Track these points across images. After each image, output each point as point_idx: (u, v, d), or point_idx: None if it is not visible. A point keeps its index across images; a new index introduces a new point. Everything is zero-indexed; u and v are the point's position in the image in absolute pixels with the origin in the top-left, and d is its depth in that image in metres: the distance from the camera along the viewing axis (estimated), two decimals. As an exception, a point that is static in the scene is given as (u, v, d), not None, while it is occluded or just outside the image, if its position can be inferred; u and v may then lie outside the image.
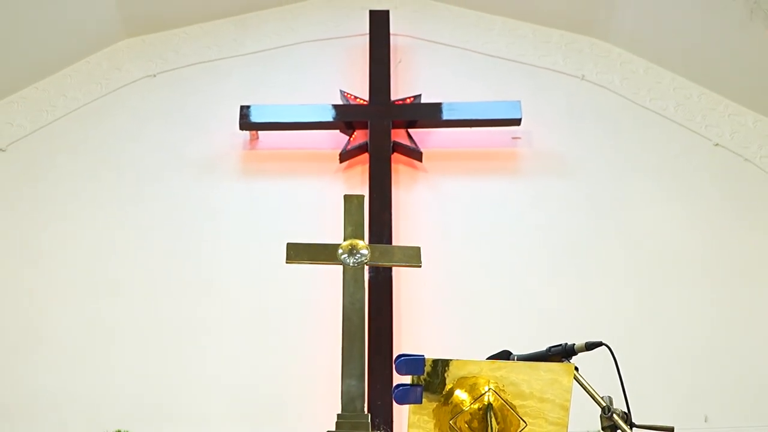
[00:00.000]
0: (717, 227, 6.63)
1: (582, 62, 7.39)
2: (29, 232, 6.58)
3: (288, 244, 2.52)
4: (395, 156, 6.81)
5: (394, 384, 2.68)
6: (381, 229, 6.35)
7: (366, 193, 6.51)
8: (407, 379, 2.62)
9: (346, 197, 2.55)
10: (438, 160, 6.90)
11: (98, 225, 6.63)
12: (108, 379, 6.04)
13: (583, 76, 7.33)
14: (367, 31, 7.32)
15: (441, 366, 2.64)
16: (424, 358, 2.58)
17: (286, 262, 2.59)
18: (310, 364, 6.01)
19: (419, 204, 6.74)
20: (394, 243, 6.34)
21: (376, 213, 6.42)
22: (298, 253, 2.49)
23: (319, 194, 6.77)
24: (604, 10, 7.29)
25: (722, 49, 6.96)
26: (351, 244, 2.40)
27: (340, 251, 2.42)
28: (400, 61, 7.32)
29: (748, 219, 6.65)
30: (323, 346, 5.98)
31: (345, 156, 6.83)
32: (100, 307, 6.30)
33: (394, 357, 2.65)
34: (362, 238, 2.48)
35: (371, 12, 7.38)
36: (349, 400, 2.14)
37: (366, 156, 6.78)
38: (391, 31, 7.34)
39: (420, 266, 2.54)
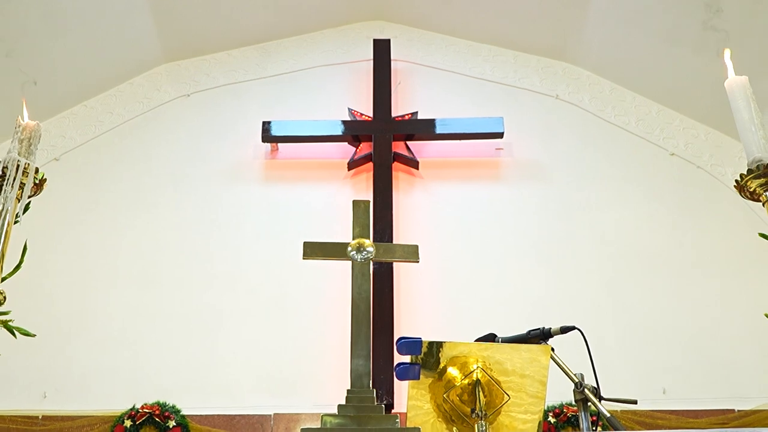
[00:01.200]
0: (672, 226, 6.63)
1: (556, 83, 7.39)
2: (80, 231, 6.58)
3: (305, 243, 2.50)
4: (395, 165, 6.81)
5: (396, 363, 2.68)
6: (384, 227, 6.36)
7: (370, 196, 6.55)
8: (407, 359, 2.63)
9: (355, 202, 2.53)
10: (432, 168, 6.90)
11: (139, 224, 6.64)
12: (148, 357, 6.05)
13: (557, 95, 7.32)
14: (371, 57, 7.32)
15: (436, 347, 2.64)
16: (421, 341, 2.59)
17: (303, 259, 2.57)
18: (323, 345, 6.01)
19: (416, 206, 6.74)
20: (394, 239, 6.36)
21: (379, 213, 6.42)
22: (314, 250, 2.48)
23: (330, 197, 6.77)
24: (574, 39, 7.27)
25: (678, 71, 6.95)
26: (359, 243, 2.38)
27: (349, 249, 2.40)
28: (399, 83, 7.31)
29: (700, 219, 6.64)
30: (333, 330, 5.99)
31: (352, 165, 6.84)
32: (142, 296, 6.30)
33: (395, 340, 2.65)
34: (368, 238, 2.46)
35: (375, 41, 7.38)
36: (357, 377, 2.13)
37: (370, 165, 6.77)
38: (392, 57, 7.34)
39: (418, 262, 2.52)
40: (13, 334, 2.39)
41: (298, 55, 7.57)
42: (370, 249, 2.28)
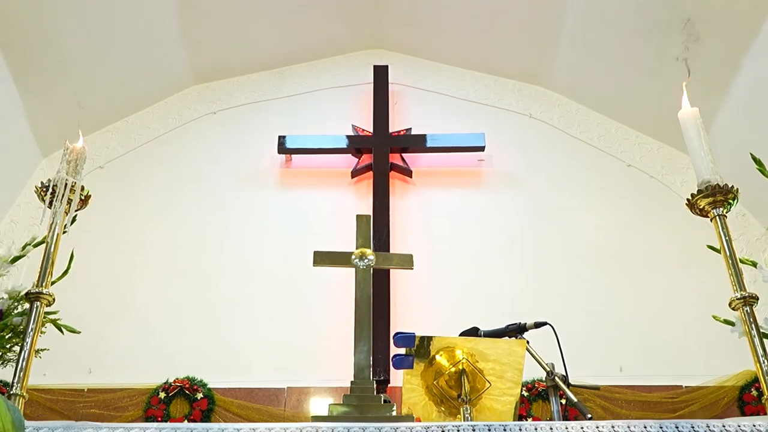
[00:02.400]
0: (629, 227, 6.61)
1: (530, 104, 7.37)
2: (121, 230, 6.56)
3: (315, 252, 2.46)
4: (392, 173, 6.78)
5: (392, 354, 2.66)
6: (382, 227, 6.34)
7: (371, 201, 6.53)
8: (403, 351, 2.61)
9: (358, 217, 2.50)
10: (424, 177, 6.88)
11: (171, 224, 6.62)
12: (178, 339, 6.02)
13: (531, 114, 7.30)
14: (372, 81, 7.29)
15: (427, 341, 2.63)
16: (414, 335, 2.57)
17: (313, 266, 2.54)
18: (328, 329, 6.00)
19: (410, 209, 6.72)
20: (391, 237, 6.34)
21: (378, 215, 6.41)
22: (322, 258, 2.44)
23: (336, 201, 6.76)
24: (546, 66, 7.25)
25: (634, 94, 6.93)
26: (361, 252, 2.36)
27: (353, 257, 2.37)
28: (395, 103, 7.29)
29: (652, 222, 6.63)
30: (337, 316, 5.97)
31: (355, 173, 6.81)
32: (173, 286, 6.28)
33: (393, 334, 2.62)
34: (369, 247, 2.43)
35: (375, 67, 7.35)
36: (359, 369, 2.10)
37: (371, 173, 6.75)
38: (390, 81, 7.31)
39: (412, 269, 2.49)
40: (61, 331, 2.37)
41: (308, 79, 7.54)
42: (371, 257, 2.25)
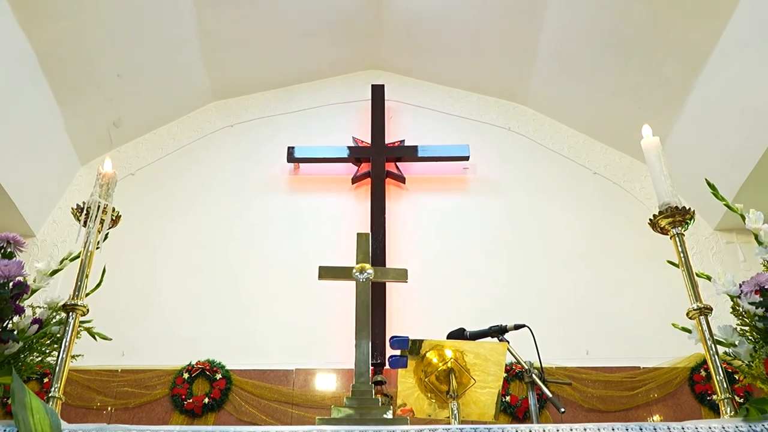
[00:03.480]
0: (595, 228, 6.58)
1: (509, 119, 7.31)
2: (150, 231, 6.50)
3: (319, 267, 2.41)
4: (388, 180, 6.73)
5: (389, 355, 2.63)
6: (378, 228, 6.31)
7: (369, 204, 6.49)
8: (398, 352, 2.58)
9: (358, 234, 2.44)
10: (416, 183, 6.83)
11: (193, 225, 6.57)
12: (200, 326, 5.98)
13: (510, 128, 7.25)
14: (370, 98, 7.23)
15: (419, 343, 2.59)
16: (408, 338, 2.54)
17: (318, 280, 2.49)
18: (332, 317, 5.95)
19: (403, 211, 6.68)
20: (387, 236, 6.30)
21: (375, 218, 6.38)
22: (327, 273, 2.39)
23: (338, 205, 6.71)
24: (523, 85, 7.21)
25: (599, 110, 6.91)
26: (361, 267, 2.31)
27: (353, 271, 2.33)
28: (391, 117, 7.24)
29: (616, 223, 6.60)
30: (340, 306, 5.94)
31: (355, 180, 6.76)
32: (195, 280, 6.23)
33: (389, 338, 2.58)
34: (369, 263, 2.39)
35: (373, 86, 7.29)
36: (359, 374, 2.06)
37: (369, 180, 6.70)
38: (386, 98, 7.26)
39: (406, 282, 2.45)
40: (95, 338, 2.33)
41: (315, 96, 7.47)
42: (370, 272, 2.21)
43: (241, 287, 6.18)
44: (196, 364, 5.68)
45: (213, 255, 6.35)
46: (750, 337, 2.12)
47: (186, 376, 5.62)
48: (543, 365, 3.31)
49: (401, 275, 2.32)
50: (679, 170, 6.56)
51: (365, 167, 6.76)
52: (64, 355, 2.05)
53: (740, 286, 2.17)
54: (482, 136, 7.14)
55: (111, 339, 2.36)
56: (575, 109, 7.07)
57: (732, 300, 2.20)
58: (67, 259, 2.37)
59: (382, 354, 5.63)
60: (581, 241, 6.47)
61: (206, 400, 5.50)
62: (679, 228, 2.34)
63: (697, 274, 2.33)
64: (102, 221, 2.28)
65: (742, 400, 4.84)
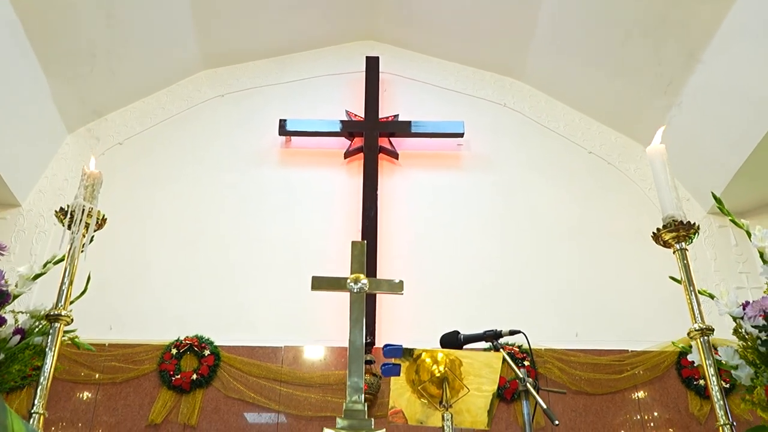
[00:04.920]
0: (588, 207, 6.53)
1: (504, 95, 7.18)
2: (138, 202, 6.39)
3: (312, 277, 2.34)
4: (381, 155, 6.62)
5: (381, 363, 2.57)
6: (371, 204, 6.22)
7: (361, 180, 6.40)
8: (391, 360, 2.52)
9: (353, 243, 2.36)
10: (409, 159, 6.72)
11: (183, 196, 6.46)
12: (189, 301, 5.93)
13: (505, 104, 7.13)
14: (364, 70, 7.07)
15: (413, 352, 2.53)
16: (402, 347, 2.47)
17: (312, 290, 2.41)
18: (322, 295, 5.86)
19: (396, 187, 6.58)
20: (379, 213, 6.22)
21: (368, 194, 6.29)
22: (320, 283, 2.32)
23: (330, 179, 6.61)
24: (520, 61, 7.06)
25: (596, 89, 6.79)
26: (356, 277, 2.24)
27: (348, 281, 2.25)
28: (385, 91, 7.09)
29: (609, 203, 6.56)
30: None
31: (348, 154, 6.64)
32: (185, 253, 6.15)
33: (382, 346, 2.52)
34: (363, 273, 2.31)
35: (367, 58, 7.12)
36: (352, 391, 2.00)
37: (362, 155, 6.58)
38: (380, 70, 7.10)
39: (402, 294, 2.37)
40: (79, 348, 2.25)
41: (307, 67, 7.29)
42: (365, 282, 2.14)
43: (231, 261, 6.11)
44: (185, 339, 5.63)
45: (202, 228, 6.26)
46: (751, 361, 2.07)
47: (174, 351, 5.58)
48: (539, 383, 3.31)
49: (396, 287, 2.24)
50: (675, 153, 6.48)
51: (358, 142, 6.64)
52: (48, 370, 1.96)
53: (744, 307, 2.11)
54: (477, 111, 7.02)
55: (95, 350, 2.29)
56: (572, 87, 6.95)
57: (735, 321, 2.15)
58: (51, 262, 2.27)
59: (372, 334, 5.59)
60: (574, 221, 6.42)
61: (194, 376, 5.46)
62: (683, 243, 2.27)
63: (699, 292, 2.27)
64: (87, 225, 2.18)
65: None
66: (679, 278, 2.27)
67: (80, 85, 6.36)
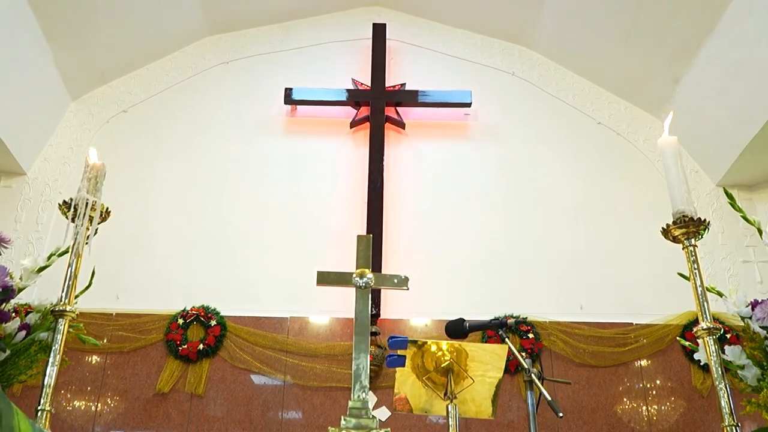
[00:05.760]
0: (595, 179, 6.48)
1: (513, 63, 7.06)
2: (143, 168, 6.37)
3: (318, 272, 2.31)
4: (387, 125, 6.54)
5: (386, 354, 2.56)
6: (377, 175, 6.18)
7: (367, 150, 6.34)
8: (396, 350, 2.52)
9: (358, 237, 2.32)
10: (415, 128, 6.65)
11: (188, 164, 6.42)
12: (196, 271, 5.94)
13: (514, 72, 7.01)
14: (371, 37, 6.95)
15: (418, 344, 2.52)
16: (407, 339, 2.47)
17: (317, 285, 2.39)
18: (328, 265, 5.86)
19: (402, 157, 6.52)
20: (385, 182, 6.18)
21: (374, 163, 6.24)
22: (325, 278, 2.29)
23: (336, 149, 6.56)
24: (529, 28, 6.93)
25: (607, 58, 6.66)
26: (361, 272, 2.22)
27: (353, 276, 2.23)
28: (392, 59, 6.98)
29: (616, 175, 6.50)
30: (336, 254, 5.92)
31: (354, 124, 6.57)
32: (190, 222, 6.15)
33: (387, 338, 2.51)
34: (369, 267, 2.28)
35: (374, 24, 6.99)
36: (358, 389, 2.00)
37: (368, 124, 6.51)
38: (387, 37, 6.98)
39: (407, 289, 2.35)
40: (84, 343, 2.25)
41: (312, 33, 7.17)
42: (370, 276, 2.12)
43: (238, 231, 6.10)
44: (191, 309, 5.66)
45: (207, 198, 6.24)
46: (758, 362, 2.06)
47: (181, 321, 5.61)
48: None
49: (402, 282, 2.22)
50: (685, 124, 6.41)
51: (364, 111, 6.57)
52: (53, 367, 1.96)
53: (752, 308, 2.09)
54: (485, 80, 6.92)
55: (100, 344, 2.29)
56: (582, 55, 6.83)
57: (743, 321, 2.13)
58: (55, 254, 2.26)
59: (377, 305, 5.61)
60: (581, 192, 6.37)
61: (201, 346, 5.50)
62: (693, 239, 2.23)
63: (708, 289, 2.25)
64: (91, 218, 2.16)
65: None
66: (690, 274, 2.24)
67: (83, 51, 6.28)
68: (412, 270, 5.89)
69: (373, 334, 5.40)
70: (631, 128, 6.69)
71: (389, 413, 5.17)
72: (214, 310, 5.69)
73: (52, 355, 1.98)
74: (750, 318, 2.11)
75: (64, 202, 2.18)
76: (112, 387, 5.41)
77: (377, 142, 6.37)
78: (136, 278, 5.89)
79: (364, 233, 5.90)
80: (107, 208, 2.20)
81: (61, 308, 2.04)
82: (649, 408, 5.46)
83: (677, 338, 2.35)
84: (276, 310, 5.76)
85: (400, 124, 6.55)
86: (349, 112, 6.63)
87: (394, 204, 6.20)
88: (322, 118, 6.67)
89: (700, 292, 2.17)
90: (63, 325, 2.03)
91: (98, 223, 2.19)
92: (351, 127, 6.56)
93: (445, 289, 5.88)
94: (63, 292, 2.09)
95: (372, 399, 5.27)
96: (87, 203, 2.12)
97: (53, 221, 6.10)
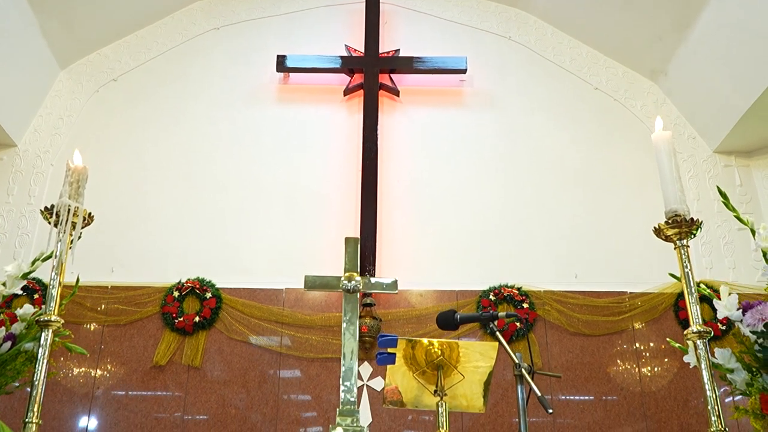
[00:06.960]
0: (593, 146, 6.41)
1: (509, 27, 6.91)
2: (134, 138, 6.31)
3: (306, 276, 2.28)
4: (381, 92, 6.44)
5: (376, 352, 2.55)
6: (371, 144, 6.12)
7: (361, 118, 6.26)
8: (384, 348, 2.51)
9: (346, 239, 2.29)
10: (410, 95, 6.55)
11: (179, 134, 6.35)
12: (190, 242, 5.92)
13: (510, 37, 6.87)
14: (364, 0, 6.79)
15: (408, 342, 2.52)
16: (397, 337, 2.46)
17: (305, 289, 2.37)
18: (322, 236, 5.90)
19: (396, 125, 6.44)
20: (379, 151, 6.12)
21: (368, 131, 6.17)
22: (314, 283, 2.27)
23: (329, 117, 6.47)
24: (527, -10, 6.78)
25: (605, 22, 6.53)
26: (349, 275, 2.19)
27: (342, 280, 2.21)
28: (386, 23, 6.83)
29: (613, 141, 6.43)
30: (331, 224, 5.91)
31: (347, 91, 6.46)
32: (184, 192, 6.10)
33: (377, 336, 2.50)
34: (356, 271, 2.26)
35: (368, -12, 6.83)
36: (346, 388, 2.00)
37: (361, 92, 6.41)
38: (381, 1, 6.82)
39: (396, 293, 2.33)
40: (71, 351, 2.23)
41: (305, -4, 7.01)
42: (358, 279, 2.09)
43: (232, 201, 6.06)
44: (186, 282, 5.66)
45: (199, 168, 6.18)
46: (748, 365, 2.05)
47: (176, 294, 5.62)
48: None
49: (390, 286, 2.20)
50: (683, 90, 6.33)
51: (358, 78, 6.46)
52: (40, 377, 1.95)
53: (743, 311, 2.07)
54: (480, 44, 6.79)
55: (88, 354, 2.27)
56: (580, 18, 6.68)
57: (733, 325, 2.11)
58: (39, 260, 2.23)
59: (373, 274, 5.61)
60: (577, 160, 6.32)
61: (197, 318, 5.52)
62: (685, 240, 2.20)
63: (699, 290, 2.22)
64: (74, 225, 2.12)
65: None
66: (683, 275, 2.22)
67: (69, 18, 6.14)
68: (407, 238, 5.92)
69: (368, 305, 5.42)
70: (628, 94, 6.60)
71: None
72: (210, 282, 5.69)
73: (38, 366, 1.96)
74: (740, 322, 2.10)
75: (46, 208, 2.14)
76: (110, 359, 5.44)
77: (371, 110, 6.28)
78: (131, 251, 5.87)
79: (359, 202, 5.87)
80: (90, 213, 2.16)
81: (46, 318, 2.01)
82: (641, 370, 5.51)
83: (668, 340, 2.34)
84: (271, 281, 5.76)
85: (395, 92, 6.45)
86: (343, 78, 6.53)
87: (388, 173, 6.15)
88: (315, 86, 6.56)
89: (691, 296, 2.15)
90: (48, 336, 2.00)
91: (83, 226, 2.15)
92: (344, 95, 6.47)
93: (439, 258, 5.87)
94: (47, 301, 2.06)
95: (367, 370, 5.31)
96: (69, 210, 2.08)
97: (45, 193, 6.05)
